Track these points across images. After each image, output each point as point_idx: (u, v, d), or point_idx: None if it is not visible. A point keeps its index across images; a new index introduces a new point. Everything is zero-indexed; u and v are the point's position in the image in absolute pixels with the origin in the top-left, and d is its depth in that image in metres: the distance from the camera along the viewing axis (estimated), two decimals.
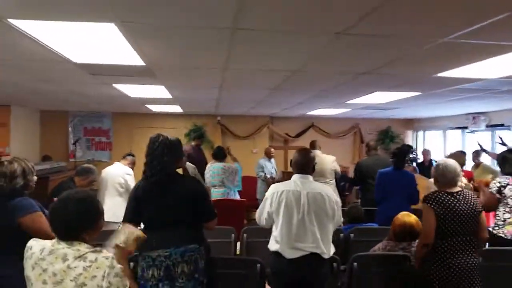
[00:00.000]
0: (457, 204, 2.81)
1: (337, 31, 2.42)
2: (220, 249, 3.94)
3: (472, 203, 2.84)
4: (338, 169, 5.82)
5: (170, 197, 2.60)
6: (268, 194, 2.87)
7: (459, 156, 4.15)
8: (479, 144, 6.27)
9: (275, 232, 2.79)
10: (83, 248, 1.82)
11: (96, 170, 4.24)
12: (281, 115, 8.90)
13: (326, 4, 2.00)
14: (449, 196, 2.84)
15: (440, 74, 3.70)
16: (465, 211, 2.80)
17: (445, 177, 2.91)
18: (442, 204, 2.81)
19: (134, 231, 2.05)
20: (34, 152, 7.99)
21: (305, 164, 2.89)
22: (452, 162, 2.94)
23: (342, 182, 7.35)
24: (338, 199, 2.92)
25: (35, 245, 1.86)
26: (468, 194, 2.89)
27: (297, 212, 2.75)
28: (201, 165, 6.82)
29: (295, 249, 2.73)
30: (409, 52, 2.92)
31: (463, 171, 4.84)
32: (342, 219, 2.96)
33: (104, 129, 8.76)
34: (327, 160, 5.72)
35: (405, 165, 4.78)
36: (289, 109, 7.41)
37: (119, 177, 4.92)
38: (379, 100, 5.71)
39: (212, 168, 5.78)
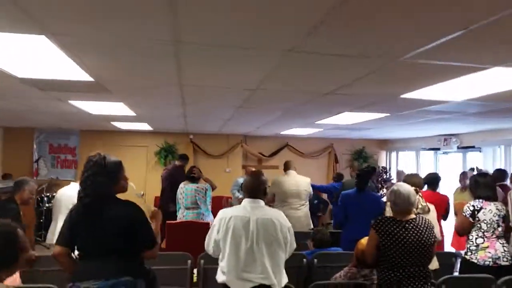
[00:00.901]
0: (405, 234, 2.68)
1: (287, 48, 2.30)
2: (176, 277, 3.72)
3: (423, 233, 2.71)
4: (311, 191, 5.71)
5: (102, 223, 2.36)
6: (216, 220, 2.68)
7: (415, 178, 4.03)
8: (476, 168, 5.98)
9: (222, 261, 2.60)
10: None
11: (30, 180, 4.00)
12: (254, 134, 8.77)
13: (273, 19, 1.87)
14: (398, 225, 2.71)
15: (404, 96, 3.62)
16: (413, 242, 2.67)
17: (396, 205, 2.79)
18: (388, 233, 2.68)
19: None
20: None
21: (255, 188, 2.72)
22: (406, 189, 2.81)
23: (316, 201, 7.18)
24: (289, 224, 2.74)
25: None
26: (422, 223, 2.75)
27: (246, 240, 2.56)
28: None
29: (243, 280, 2.54)
30: (366, 72, 2.82)
31: (436, 195, 4.76)
32: (295, 245, 2.78)
33: (70, 147, 8.47)
34: (303, 180, 5.58)
35: (367, 186, 4.65)
36: (262, 128, 7.30)
37: (73, 197, 4.62)
38: (348, 120, 5.64)
39: (185, 190, 5.57)
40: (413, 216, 2.80)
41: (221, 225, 2.61)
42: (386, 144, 9.53)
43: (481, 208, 3.61)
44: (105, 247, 2.36)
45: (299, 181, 5.51)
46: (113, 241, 2.36)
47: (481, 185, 3.73)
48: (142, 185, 8.41)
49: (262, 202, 2.72)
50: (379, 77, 2.93)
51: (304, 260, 3.78)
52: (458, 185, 5.92)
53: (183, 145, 8.69)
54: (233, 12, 1.79)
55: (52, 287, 2.73)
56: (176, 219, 5.61)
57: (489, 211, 3.59)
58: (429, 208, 3.76)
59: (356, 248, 3.16)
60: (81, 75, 3.02)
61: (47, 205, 7.14)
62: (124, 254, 2.38)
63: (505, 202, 4.11)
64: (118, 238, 2.37)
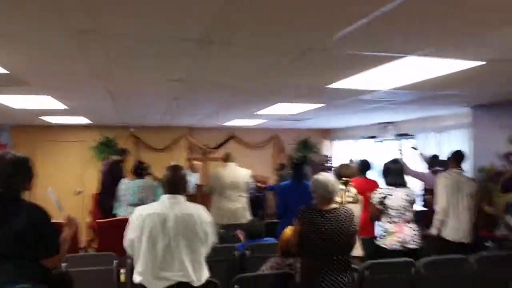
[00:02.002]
0: (325, 223, 2.72)
1: (198, 38, 2.22)
2: (101, 278, 3.57)
3: (343, 222, 2.75)
4: (252, 183, 5.69)
5: (2, 226, 2.20)
6: (131, 218, 2.57)
7: (347, 167, 4.11)
8: (413, 148, 6.04)
9: (138, 261, 2.49)
10: None
11: None
12: (199, 126, 8.63)
13: (182, 8, 1.79)
14: (319, 215, 2.74)
15: (330, 86, 3.64)
16: (333, 231, 2.71)
17: (316, 194, 2.83)
18: (309, 222, 2.72)
19: None
20: None
21: (175, 183, 2.63)
22: (325, 179, 2.85)
23: (261, 193, 7.18)
24: (210, 218, 2.68)
25: None
26: (343, 213, 2.80)
27: (163, 237, 2.47)
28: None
29: (160, 279, 2.45)
30: (284, 63, 2.79)
31: (365, 180, 4.88)
32: (214, 239, 2.72)
33: (1, 144, 7.91)
34: (242, 172, 5.54)
35: (303, 176, 4.69)
36: (204, 120, 7.18)
37: None
38: (286, 111, 5.66)
39: (131, 185, 5.31)
40: (334, 205, 2.83)
41: (136, 224, 2.50)
42: (329, 133, 9.71)
43: (388, 194, 3.75)
44: (2, 251, 2.19)
45: (238, 173, 5.48)
46: (7, 245, 2.19)
47: (392, 171, 3.89)
48: (79, 182, 8.07)
49: (182, 198, 2.64)
50: (298, 68, 2.92)
51: (236, 252, 3.77)
52: None
53: (124, 138, 8.36)
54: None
55: None
56: (115, 217, 5.38)
57: (397, 197, 3.74)
58: (358, 198, 3.86)
59: (280, 238, 3.18)
60: None
61: None
62: (24, 259, 2.22)
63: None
64: (17, 242, 2.20)
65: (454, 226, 4.03)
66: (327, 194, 2.80)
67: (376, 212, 3.84)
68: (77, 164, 8.15)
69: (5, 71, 2.98)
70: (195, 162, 7.37)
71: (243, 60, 2.77)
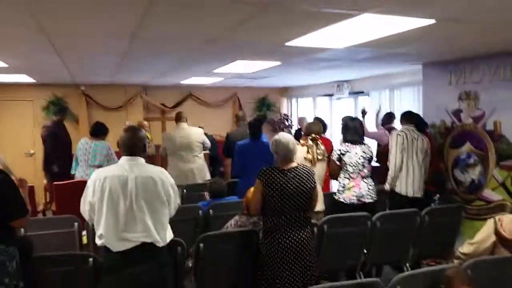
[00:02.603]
0: (286, 182, 2.79)
1: None
2: (63, 241, 3.51)
3: (303, 180, 2.84)
4: (207, 141, 5.64)
5: None
6: (89, 181, 2.50)
7: (316, 124, 4.19)
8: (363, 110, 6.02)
9: (99, 225, 2.46)
10: None
11: None
12: (155, 84, 8.34)
13: None
14: (280, 174, 2.81)
15: (288, 44, 3.60)
16: (293, 189, 2.79)
17: (278, 154, 2.88)
18: (271, 182, 2.78)
19: None
20: None
21: (133, 145, 2.56)
22: (285, 138, 2.90)
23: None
24: (171, 180, 2.67)
25: None
26: (302, 171, 2.87)
27: (124, 199, 2.43)
28: (65, 144, 6.09)
29: (123, 241, 2.44)
30: (239, 18, 2.71)
31: (321, 138, 4.99)
32: (179, 201, 2.72)
33: None
34: (194, 132, 5.50)
35: (260, 135, 4.74)
36: (160, 78, 6.94)
37: None
38: (245, 69, 5.57)
39: (94, 146, 5.17)
40: (294, 164, 2.89)
41: (96, 187, 2.44)
42: (287, 92, 9.75)
43: (346, 151, 3.90)
44: None
45: (190, 133, 5.44)
46: None
47: (350, 129, 4.02)
48: (29, 143, 7.69)
49: (141, 159, 2.58)
50: (257, 24, 2.85)
51: (200, 211, 3.80)
52: None
53: (74, 97, 7.97)
54: None
55: None
56: (60, 180, 5.22)
57: (355, 154, 3.90)
58: (326, 154, 3.97)
59: (246, 197, 3.22)
60: None
61: None
62: None
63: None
64: None
65: (407, 181, 4.21)
66: (288, 154, 2.85)
67: (335, 168, 3.98)
68: (26, 125, 7.73)
69: None
70: (144, 122, 7.19)
71: (198, 16, 2.66)
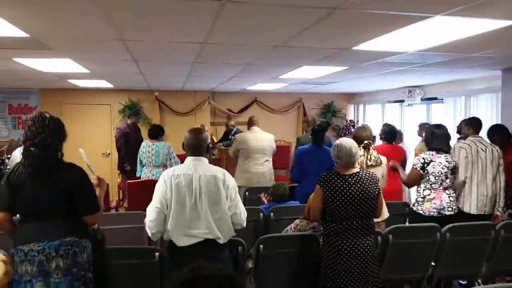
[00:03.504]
0: (349, 188, 2.72)
1: None
2: (133, 236, 3.73)
3: (367, 186, 2.76)
4: (275, 147, 5.76)
5: (46, 186, 2.33)
6: (160, 181, 2.63)
7: (364, 129, 4.04)
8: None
9: (168, 219, 2.57)
10: None
11: None
12: (222, 90, 8.61)
13: None
14: (341, 180, 2.75)
15: (356, 48, 3.54)
16: (357, 195, 2.72)
17: (340, 159, 2.82)
18: (332, 187, 2.72)
19: None
20: None
21: (197, 146, 2.67)
22: (347, 143, 2.84)
23: None
24: (234, 183, 2.73)
25: None
26: (365, 176, 2.79)
27: (189, 197, 2.55)
28: (136, 145, 6.49)
29: (188, 236, 2.55)
30: (310, 23, 2.71)
31: (394, 146, 4.81)
32: (239, 199, 2.74)
33: (31, 107, 8.15)
34: (267, 137, 5.60)
35: (323, 142, 4.68)
36: (227, 84, 7.15)
37: None
38: (310, 74, 5.56)
39: (156, 147, 5.52)
40: (356, 170, 2.83)
41: (168, 185, 2.57)
42: (354, 98, 9.54)
43: (431, 161, 3.68)
44: (49, 208, 2.35)
45: (264, 137, 5.54)
46: (57, 202, 2.35)
47: (437, 136, 3.78)
48: (107, 144, 8.28)
49: (205, 159, 2.69)
50: (325, 28, 2.84)
51: (261, 214, 3.85)
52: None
53: (148, 102, 8.47)
54: None
55: None
56: (131, 178, 5.60)
57: (439, 164, 3.66)
58: (381, 161, 3.82)
59: (308, 201, 3.20)
60: (13, 30, 2.82)
61: (8, 167, 6.95)
62: (68, 215, 2.37)
63: None
64: (61, 200, 2.35)
65: (471, 197, 3.90)
66: (351, 159, 2.80)
67: (415, 177, 3.78)
68: (104, 127, 8.34)
69: (26, 35, 3.01)
70: (205, 126, 7.52)
71: (266, 22, 2.71)
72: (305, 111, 9.36)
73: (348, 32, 3.00)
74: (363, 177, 2.78)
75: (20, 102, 8.14)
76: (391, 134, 4.79)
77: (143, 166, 5.68)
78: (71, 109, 8.05)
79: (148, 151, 5.56)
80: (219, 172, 2.67)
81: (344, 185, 2.72)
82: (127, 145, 6.49)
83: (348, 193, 2.70)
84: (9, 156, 7.22)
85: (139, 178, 5.61)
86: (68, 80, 6.48)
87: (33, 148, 2.32)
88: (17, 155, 4.92)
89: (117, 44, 3.44)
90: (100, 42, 3.38)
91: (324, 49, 3.72)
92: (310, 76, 5.69)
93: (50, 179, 2.35)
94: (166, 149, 5.55)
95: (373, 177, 2.82)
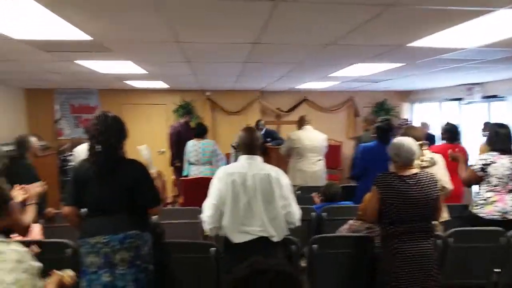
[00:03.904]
0: (408, 190, 2.62)
1: None
2: (188, 231, 3.85)
3: (426, 188, 2.65)
4: (327, 146, 5.70)
5: (111, 181, 2.47)
6: (216, 178, 2.68)
7: (416, 131, 3.87)
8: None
9: (224, 216, 2.62)
10: None
11: (29, 135, 4.12)
12: (271, 89, 8.63)
13: None
14: (400, 181, 2.65)
15: (411, 45, 3.42)
16: (416, 197, 2.62)
17: (400, 158, 2.72)
18: (390, 189, 2.64)
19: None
20: (21, 131, 7.89)
21: (251, 144, 2.70)
22: (408, 141, 2.73)
23: None
24: (288, 181, 2.73)
25: None
26: (425, 178, 2.68)
27: (244, 194, 2.59)
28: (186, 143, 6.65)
29: (243, 233, 2.59)
30: (365, 20, 2.65)
31: (455, 146, 4.59)
32: (292, 198, 2.73)
33: (91, 106, 8.60)
34: (320, 137, 5.55)
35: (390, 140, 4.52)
36: (277, 83, 7.16)
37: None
38: (363, 72, 5.44)
39: (202, 145, 5.65)
40: (415, 170, 2.73)
41: (223, 182, 2.62)
42: (408, 96, 9.20)
43: (492, 162, 3.47)
44: (113, 204, 2.48)
45: (316, 136, 5.50)
46: (120, 198, 2.47)
47: (500, 136, 3.56)
48: (162, 143, 8.55)
49: (259, 158, 2.71)
50: (380, 25, 2.76)
51: (313, 213, 3.82)
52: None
53: (200, 102, 8.67)
54: None
55: (65, 242, 2.87)
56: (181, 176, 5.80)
57: (501, 165, 3.45)
58: (436, 160, 3.66)
59: (363, 202, 3.14)
60: (77, 34, 2.99)
61: (70, 164, 7.38)
62: (131, 210, 2.48)
63: None
64: (125, 195, 2.48)
65: None
66: (411, 157, 2.70)
67: (473, 178, 3.59)
68: (159, 126, 8.63)
69: (89, 38, 3.18)
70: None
71: (318, 20, 2.68)
72: (356, 109, 9.16)
73: (403, 28, 2.91)
74: (422, 178, 2.68)
75: (81, 102, 8.61)
76: (452, 133, 4.59)
77: (190, 164, 5.79)
78: (128, 109, 8.40)
79: (195, 150, 5.67)
80: (273, 170, 2.68)
81: (403, 187, 2.63)
82: (178, 143, 6.67)
83: (406, 195, 2.61)
84: (71, 153, 7.70)
85: (186, 176, 5.74)
86: (125, 81, 6.77)
87: (97, 146, 2.45)
88: (80, 152, 5.22)
89: (173, 46, 3.56)
90: (157, 44, 3.51)
91: (377, 46, 3.62)
92: (363, 73, 5.57)
93: (113, 176, 2.48)
94: (211, 146, 5.68)
95: (432, 179, 2.71)
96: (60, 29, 2.82)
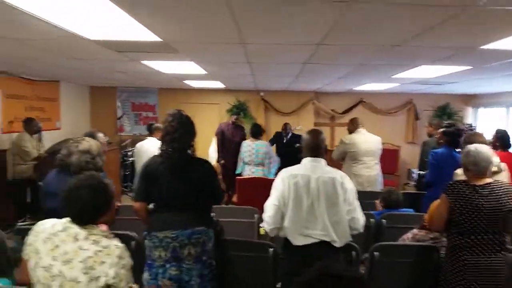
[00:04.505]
0: (480, 200, 2.47)
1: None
2: (243, 229, 3.87)
3: (500, 199, 2.48)
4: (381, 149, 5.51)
5: (182, 179, 2.55)
6: (278, 180, 2.66)
7: (480, 137, 3.62)
8: None
9: (285, 217, 2.60)
10: (96, 231, 1.81)
11: (97, 131, 4.27)
12: (326, 90, 8.52)
13: None
14: (472, 190, 2.50)
15: (484, 47, 3.23)
16: (488, 208, 2.46)
17: (477, 166, 2.55)
18: (461, 198, 2.50)
19: None
20: (85, 126, 8.37)
21: (316, 147, 2.66)
22: (485, 149, 2.57)
23: None
24: (353, 186, 2.66)
25: (46, 221, 1.86)
26: (498, 188, 2.52)
27: (307, 197, 2.55)
28: (230, 142, 6.64)
29: (304, 236, 2.56)
30: (437, 22, 2.54)
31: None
32: (357, 204, 2.68)
33: (150, 105, 8.96)
34: (376, 139, 5.36)
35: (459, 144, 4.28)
36: (333, 84, 7.05)
37: (151, 151, 4.98)
38: (428, 74, 5.21)
39: (256, 146, 5.71)
40: (489, 180, 2.57)
41: (286, 184, 2.60)
42: (473, 99, 8.69)
43: None
44: (182, 200, 2.55)
45: (371, 139, 5.33)
46: (191, 195, 2.55)
47: None
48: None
49: (323, 161, 2.67)
50: (453, 27, 2.63)
51: (372, 220, 3.71)
52: None
53: (254, 102, 8.74)
54: None
55: (131, 235, 2.98)
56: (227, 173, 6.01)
57: None
58: (502, 167, 3.44)
59: (429, 210, 3.00)
60: (149, 35, 3.11)
61: (130, 159, 7.71)
62: (198, 207, 2.56)
63: None
64: (194, 192, 2.55)
65: None
66: (487, 167, 2.54)
67: None
68: (212, 125, 8.77)
69: (159, 39, 3.29)
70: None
71: (389, 21, 2.60)
72: (416, 113, 8.81)
73: (478, 30, 2.75)
74: (495, 189, 2.52)
75: (141, 100, 8.98)
76: (506, 140, 4.30)
77: (245, 164, 5.84)
78: (185, 107, 8.53)
79: (249, 150, 5.73)
80: (337, 174, 2.63)
81: (475, 196, 2.49)
82: (222, 142, 6.75)
83: (479, 205, 2.47)
84: (132, 148, 8.04)
85: (240, 175, 5.79)
86: (184, 81, 6.96)
87: (172, 143, 2.53)
88: (140, 147, 5.44)
89: (236, 47, 3.60)
90: (221, 45, 3.56)
91: (446, 49, 3.46)
92: (427, 76, 5.34)
93: (184, 173, 2.56)
94: (264, 147, 5.71)
95: (508, 189, 2.54)
96: (133, 30, 2.94)
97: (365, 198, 4.68)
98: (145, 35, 3.10)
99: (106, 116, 8.80)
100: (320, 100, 8.94)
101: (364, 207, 4.31)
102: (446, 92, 8.29)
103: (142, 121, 8.95)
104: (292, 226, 2.56)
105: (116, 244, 1.79)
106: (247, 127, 7.61)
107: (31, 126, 5.61)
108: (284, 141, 7.09)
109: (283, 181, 2.61)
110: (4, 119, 5.71)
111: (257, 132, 5.89)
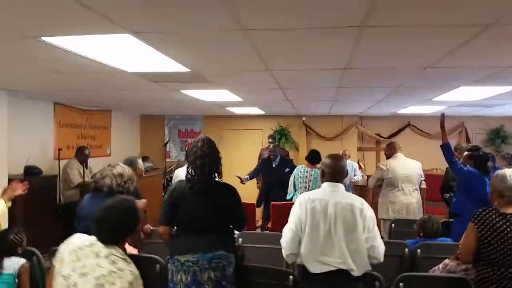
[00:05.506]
0: (510, 229, 2.29)
1: (358, 23, 2.14)
2: (273, 256, 3.84)
3: None
4: (423, 175, 5.28)
5: (206, 204, 2.62)
6: (296, 205, 2.61)
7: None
8: None
9: (302, 243, 2.57)
10: (117, 252, 1.91)
11: (138, 157, 4.41)
12: (370, 114, 8.35)
13: None
14: (502, 218, 2.34)
15: None
16: None
17: (508, 192, 2.39)
18: (489, 227, 2.34)
19: None
20: (134, 153, 8.80)
21: (336, 172, 2.62)
22: None
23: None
24: (372, 213, 2.58)
25: (81, 235, 2.01)
26: None
27: (324, 223, 2.49)
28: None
29: (321, 263, 2.49)
30: (467, 41, 2.46)
31: None
32: (376, 232, 2.57)
33: (195, 131, 9.27)
34: (416, 165, 5.16)
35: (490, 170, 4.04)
36: (375, 108, 6.91)
37: None
38: (471, 96, 4.99)
39: (314, 174, 5.47)
40: None
41: (303, 208, 2.56)
42: None
43: None
44: (205, 223, 2.61)
45: (411, 165, 5.14)
46: (214, 220, 2.61)
47: None
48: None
49: (342, 187, 2.62)
50: (481, 46, 2.53)
51: (406, 249, 3.54)
52: None
53: (296, 127, 8.75)
54: None
55: (157, 258, 3.06)
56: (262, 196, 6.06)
57: None
58: None
59: (462, 239, 2.84)
60: (177, 66, 3.27)
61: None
62: (222, 231, 2.62)
63: None
64: (216, 218, 2.61)
65: None
66: None
67: None
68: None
69: (187, 70, 3.45)
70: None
71: (410, 43, 2.55)
72: (468, 136, 8.37)
73: (509, 48, 2.61)
74: None
75: (187, 127, 9.33)
76: None
77: (296, 190, 5.59)
78: (228, 134, 8.86)
79: (306, 176, 5.50)
80: (357, 200, 2.56)
81: (505, 226, 2.32)
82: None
83: (509, 235, 2.29)
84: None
85: (290, 200, 5.57)
86: (226, 108, 7.16)
87: (203, 167, 2.62)
88: (177, 173, 5.60)
89: (264, 75, 3.68)
90: (249, 73, 3.67)
91: (481, 68, 3.30)
92: (470, 98, 5.10)
93: (209, 197, 2.63)
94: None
95: None
96: (162, 62, 3.12)
97: (403, 226, 4.52)
98: (174, 66, 3.26)
99: (155, 143, 9.21)
100: (365, 124, 8.77)
101: (401, 235, 4.17)
102: (499, 115, 7.82)
103: (187, 147, 9.24)
104: (308, 252, 2.51)
105: (131, 270, 1.86)
106: (291, 153, 7.65)
107: (81, 154, 6.00)
108: (274, 165, 6.26)
109: (301, 206, 2.58)
110: (56, 147, 6.15)
111: (317, 158, 5.55)
